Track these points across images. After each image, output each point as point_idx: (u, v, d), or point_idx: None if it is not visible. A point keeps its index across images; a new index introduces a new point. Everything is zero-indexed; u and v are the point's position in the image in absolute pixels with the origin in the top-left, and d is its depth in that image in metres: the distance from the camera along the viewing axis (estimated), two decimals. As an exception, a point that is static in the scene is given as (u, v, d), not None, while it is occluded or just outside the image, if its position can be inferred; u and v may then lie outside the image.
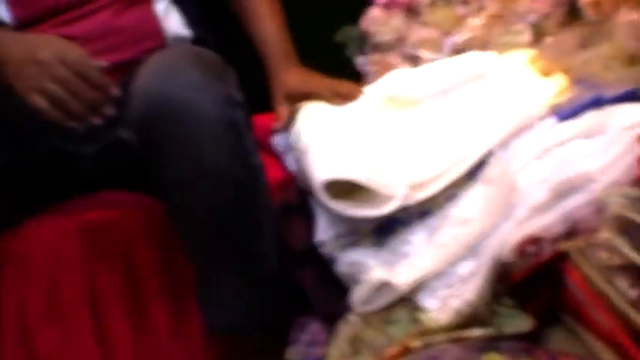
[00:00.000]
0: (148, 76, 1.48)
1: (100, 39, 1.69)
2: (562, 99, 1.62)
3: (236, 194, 1.50)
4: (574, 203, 1.39)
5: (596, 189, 1.37)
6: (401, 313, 1.38)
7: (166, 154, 1.47)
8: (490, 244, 1.39)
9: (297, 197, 1.63)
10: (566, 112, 1.58)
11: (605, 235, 1.26)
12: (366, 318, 1.39)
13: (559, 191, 1.40)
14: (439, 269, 1.41)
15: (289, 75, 1.79)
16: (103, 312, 1.64)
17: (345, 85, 1.75)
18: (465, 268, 1.39)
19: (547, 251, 1.37)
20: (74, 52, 1.46)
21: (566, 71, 1.74)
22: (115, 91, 1.48)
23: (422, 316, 1.37)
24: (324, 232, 1.52)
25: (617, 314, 1.20)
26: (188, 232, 1.56)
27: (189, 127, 1.44)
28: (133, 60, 1.64)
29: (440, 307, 1.37)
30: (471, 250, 1.41)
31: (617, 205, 1.22)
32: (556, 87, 1.67)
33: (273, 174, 1.68)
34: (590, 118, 1.54)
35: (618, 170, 1.38)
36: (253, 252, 1.55)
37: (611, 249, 1.24)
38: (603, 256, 1.24)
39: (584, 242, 1.30)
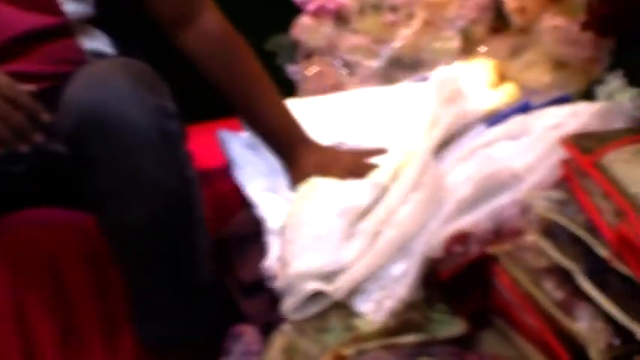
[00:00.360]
0: (77, 88, 1.44)
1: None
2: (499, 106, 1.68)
3: (169, 206, 1.46)
4: (500, 202, 1.41)
5: (521, 188, 1.40)
6: (335, 321, 1.36)
7: (99, 166, 1.43)
8: (419, 242, 1.40)
9: (252, 228, 1.61)
10: (495, 119, 1.63)
11: (531, 237, 1.27)
12: (300, 327, 1.37)
13: (482, 187, 1.42)
14: (372, 273, 1.40)
15: (304, 163, 1.68)
16: (32, 332, 1.58)
17: (360, 169, 1.64)
18: (398, 269, 1.39)
19: (474, 251, 1.37)
20: (2, 77, 1.40)
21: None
22: (46, 116, 1.43)
23: (357, 322, 1.35)
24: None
25: (544, 316, 1.20)
26: (120, 245, 1.52)
27: (122, 137, 1.40)
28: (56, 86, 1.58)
29: (375, 309, 1.36)
30: (403, 251, 1.41)
31: (541, 208, 1.22)
32: (503, 96, 1.74)
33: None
34: (516, 121, 1.58)
35: (542, 168, 1.41)
36: (186, 264, 1.51)
37: (537, 251, 1.24)
38: (530, 258, 1.25)
39: (511, 245, 1.31)
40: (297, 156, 1.68)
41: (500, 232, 1.39)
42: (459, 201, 1.43)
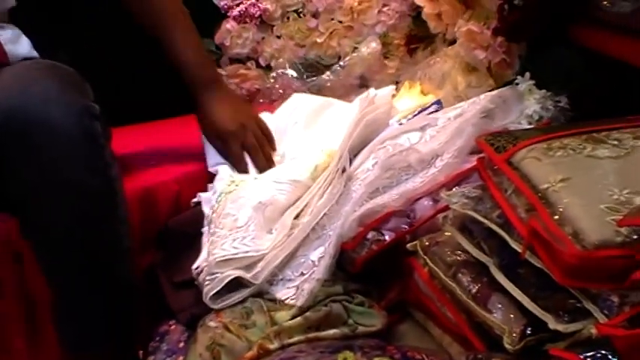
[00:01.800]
0: (1, 91, 1.36)
1: None
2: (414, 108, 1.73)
3: (93, 206, 1.40)
4: (409, 186, 1.43)
5: (429, 173, 1.44)
6: (258, 317, 1.33)
7: (21, 167, 1.35)
8: (334, 227, 1.40)
9: (195, 226, 1.58)
10: (407, 119, 1.68)
11: (448, 232, 1.26)
12: (225, 323, 1.32)
13: (389, 167, 1.45)
14: (288, 258, 1.41)
15: (213, 111, 1.74)
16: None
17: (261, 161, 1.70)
18: (316, 254, 1.39)
19: (388, 237, 1.37)
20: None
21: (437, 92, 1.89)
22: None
23: (280, 316, 1.33)
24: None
25: (461, 308, 1.19)
26: (43, 247, 1.44)
27: (44, 137, 1.33)
28: None
29: (294, 294, 1.35)
30: (320, 238, 1.41)
31: (457, 205, 1.20)
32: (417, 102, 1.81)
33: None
34: (422, 117, 1.64)
35: (447, 154, 1.46)
36: (108, 265, 1.45)
37: (454, 246, 1.23)
38: (447, 253, 1.23)
39: (428, 240, 1.29)
40: (208, 98, 1.74)
41: (414, 219, 1.40)
42: (367, 184, 1.44)
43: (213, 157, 1.77)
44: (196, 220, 1.62)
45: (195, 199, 1.71)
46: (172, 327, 1.45)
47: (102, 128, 1.43)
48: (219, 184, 1.64)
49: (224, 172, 1.70)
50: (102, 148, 1.42)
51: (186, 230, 1.63)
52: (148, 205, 1.69)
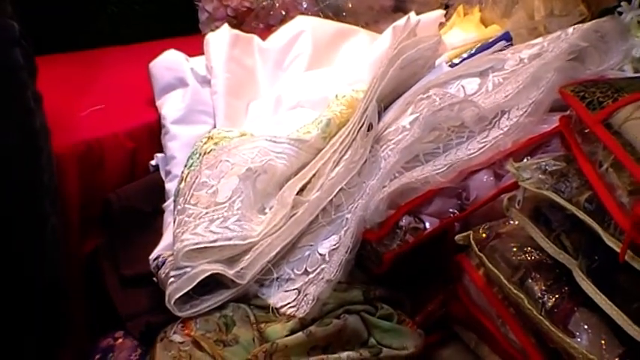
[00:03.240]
0: None
1: None
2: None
3: (5, 169, 1.40)
4: (461, 154, 1.44)
5: (490, 136, 1.45)
6: (243, 330, 1.33)
7: None
8: (353, 208, 1.42)
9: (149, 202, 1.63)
10: (460, 59, 1.72)
11: (515, 222, 1.25)
12: (196, 337, 1.33)
13: (432, 128, 1.45)
14: (286, 250, 1.42)
15: None
16: None
17: None
18: (326, 246, 1.40)
19: (429, 226, 1.38)
20: None
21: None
22: None
23: (272, 328, 1.33)
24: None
25: (529, 329, 1.19)
26: None
27: None
28: None
29: (294, 301, 1.36)
30: (333, 224, 1.42)
31: (531, 182, 1.20)
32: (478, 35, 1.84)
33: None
34: (481, 57, 1.64)
35: (518, 110, 1.47)
36: (27, 253, 1.45)
37: (523, 241, 1.23)
38: (512, 250, 1.23)
39: (486, 231, 1.29)
40: None
41: (466, 202, 1.41)
42: (402, 149, 1.44)
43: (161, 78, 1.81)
44: (155, 190, 1.63)
45: (154, 161, 1.72)
46: (119, 341, 1.46)
47: (23, 57, 1.42)
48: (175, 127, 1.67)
49: (173, 101, 1.73)
50: (22, 87, 1.42)
51: (140, 205, 1.64)
52: (89, 169, 1.70)
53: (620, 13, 1.69)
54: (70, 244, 1.62)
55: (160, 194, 1.62)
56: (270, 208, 1.46)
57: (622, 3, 1.70)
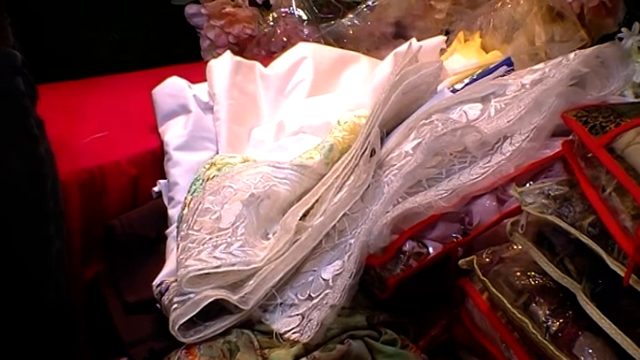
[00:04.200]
0: None
1: None
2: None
3: (9, 197, 1.40)
4: (464, 179, 1.44)
5: (493, 162, 1.45)
6: (247, 356, 1.34)
7: None
8: (356, 233, 1.42)
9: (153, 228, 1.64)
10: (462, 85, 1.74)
11: (519, 246, 1.25)
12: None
13: (435, 153, 1.45)
14: (290, 275, 1.42)
15: None
16: None
17: None
18: (330, 271, 1.41)
19: (433, 251, 1.38)
20: None
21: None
22: None
23: (276, 354, 1.33)
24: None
25: (534, 353, 1.19)
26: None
27: None
28: None
29: (298, 326, 1.36)
30: (337, 249, 1.43)
31: (535, 207, 1.20)
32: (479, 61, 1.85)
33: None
34: (484, 82, 1.64)
35: (520, 135, 1.47)
36: (31, 281, 1.44)
37: (527, 265, 1.23)
38: (516, 275, 1.23)
39: (490, 256, 1.29)
40: None
41: (469, 226, 1.41)
42: (405, 174, 1.44)
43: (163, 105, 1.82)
44: (158, 217, 1.63)
45: (156, 188, 1.72)
46: (124, 365, 1.46)
47: (25, 85, 1.42)
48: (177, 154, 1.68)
49: (176, 128, 1.74)
50: (25, 114, 1.42)
51: (143, 231, 1.64)
52: (92, 196, 1.70)
53: (621, 39, 1.70)
54: (71, 269, 1.62)
55: (163, 220, 1.63)
56: (274, 234, 1.46)
57: (622, 29, 1.71)
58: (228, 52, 1.93)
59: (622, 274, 1.05)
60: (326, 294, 1.37)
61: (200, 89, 1.85)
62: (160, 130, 1.80)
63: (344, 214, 1.45)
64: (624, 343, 1.05)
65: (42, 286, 1.45)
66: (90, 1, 2.25)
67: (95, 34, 2.29)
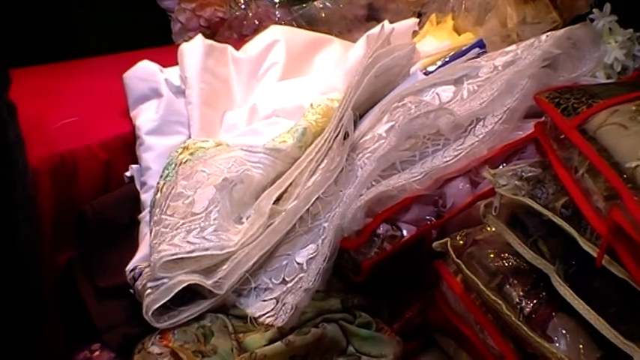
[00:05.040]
0: None
1: None
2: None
3: None
4: (438, 162, 1.44)
5: (466, 144, 1.46)
6: (222, 340, 1.33)
7: None
8: (330, 217, 1.42)
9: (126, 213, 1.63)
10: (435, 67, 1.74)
11: (492, 228, 1.26)
12: (174, 348, 1.33)
13: (407, 131, 1.45)
14: (264, 259, 1.42)
15: None
16: None
17: None
18: (304, 254, 1.41)
19: (407, 234, 1.38)
20: None
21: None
22: None
23: (250, 338, 1.33)
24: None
25: (508, 334, 1.20)
26: None
27: None
28: None
29: (273, 310, 1.37)
30: (310, 233, 1.43)
31: (508, 189, 1.20)
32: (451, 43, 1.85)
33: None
34: (457, 64, 1.64)
35: (493, 117, 1.48)
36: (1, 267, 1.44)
37: (500, 247, 1.23)
38: (490, 257, 1.24)
39: (464, 238, 1.30)
40: None
41: (443, 209, 1.42)
42: (378, 157, 1.45)
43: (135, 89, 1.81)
44: (131, 202, 1.62)
45: (129, 172, 1.71)
46: (96, 353, 1.45)
47: None
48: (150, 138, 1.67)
49: (147, 112, 1.73)
50: None
51: (115, 217, 1.64)
52: (63, 181, 1.69)
53: (592, 20, 1.70)
54: (43, 256, 1.61)
55: (136, 205, 1.62)
56: (247, 218, 1.46)
57: (594, 10, 1.71)
58: (199, 36, 1.92)
59: (595, 255, 1.06)
60: (300, 278, 1.38)
61: (172, 73, 1.84)
62: (132, 114, 1.79)
63: (318, 198, 1.45)
64: (597, 323, 1.06)
65: (10, 273, 1.44)
66: (61, -15, 2.24)
67: (66, 17, 2.27)
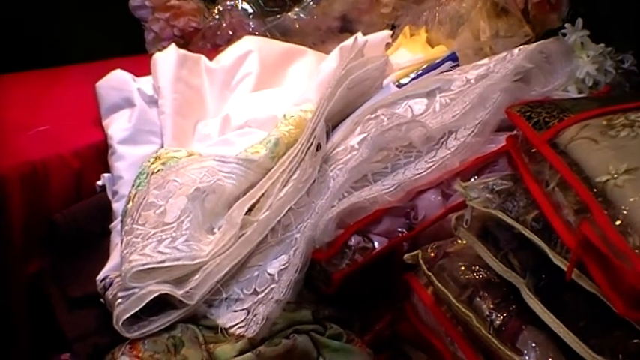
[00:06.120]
0: None
1: None
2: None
3: None
4: (409, 174, 1.45)
5: (438, 156, 1.46)
6: (192, 351, 1.33)
7: None
8: (302, 228, 1.42)
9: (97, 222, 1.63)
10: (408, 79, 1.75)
11: (463, 241, 1.26)
12: (144, 359, 1.32)
13: (381, 148, 1.46)
14: (236, 270, 1.42)
15: None
16: None
17: None
18: (275, 265, 1.41)
19: (378, 246, 1.39)
20: None
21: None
22: None
23: (221, 349, 1.33)
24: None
25: (478, 347, 1.20)
26: None
27: None
28: None
29: (244, 321, 1.36)
30: (282, 244, 1.43)
31: (479, 202, 1.21)
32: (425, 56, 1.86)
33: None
34: (429, 77, 1.66)
35: (465, 130, 1.49)
36: None
37: (471, 260, 1.24)
38: (460, 269, 1.24)
39: (435, 250, 1.30)
40: None
41: (415, 221, 1.42)
42: (350, 169, 1.45)
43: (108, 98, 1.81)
44: (102, 211, 1.62)
45: (101, 182, 1.70)
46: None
47: None
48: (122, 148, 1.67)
49: (120, 121, 1.72)
50: None
51: (87, 226, 1.63)
52: (34, 189, 1.69)
53: (564, 35, 1.71)
54: (13, 264, 1.61)
55: (107, 215, 1.61)
56: (219, 228, 1.45)
57: (566, 25, 1.72)
58: (173, 45, 1.92)
59: (565, 268, 1.06)
60: (271, 288, 1.37)
61: (145, 82, 1.84)
62: (104, 123, 1.78)
63: (290, 209, 1.45)
64: (567, 336, 1.06)
65: None
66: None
67: (39, 26, 2.26)
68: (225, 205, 1.49)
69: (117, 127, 1.75)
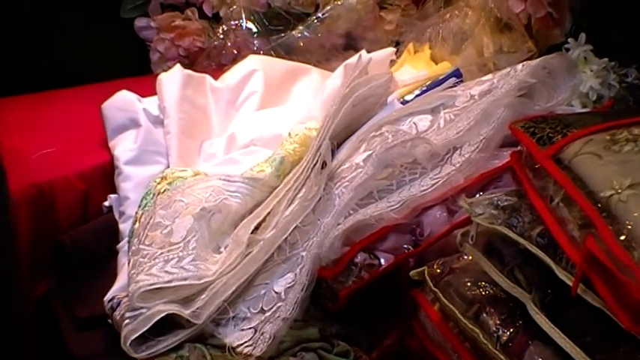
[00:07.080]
0: None
1: None
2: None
3: None
4: (414, 191, 1.45)
5: (443, 173, 1.47)
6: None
7: None
8: (308, 246, 1.43)
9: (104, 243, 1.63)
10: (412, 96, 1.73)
11: (469, 257, 1.26)
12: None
13: (385, 160, 1.46)
14: (242, 289, 1.42)
15: None
16: None
17: None
18: (282, 284, 1.41)
19: (385, 262, 1.39)
20: None
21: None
22: None
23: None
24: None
25: (485, 363, 1.20)
26: None
27: None
28: None
29: (251, 339, 1.36)
30: (289, 262, 1.43)
31: (484, 217, 1.21)
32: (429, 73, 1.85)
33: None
34: (434, 94, 1.65)
35: (470, 146, 1.49)
36: None
37: (477, 276, 1.24)
38: (467, 285, 1.24)
39: (441, 267, 1.30)
40: None
41: (420, 237, 1.42)
42: (356, 186, 1.45)
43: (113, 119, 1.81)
44: (109, 232, 1.62)
45: (107, 202, 1.71)
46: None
47: None
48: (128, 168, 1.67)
49: (126, 142, 1.73)
50: None
51: (94, 247, 1.63)
52: (40, 211, 1.69)
53: (568, 50, 1.71)
54: (20, 287, 1.61)
55: (114, 235, 1.62)
56: (225, 247, 1.46)
57: (569, 39, 1.72)
58: (178, 65, 1.93)
59: (570, 283, 1.06)
60: (278, 307, 1.37)
61: (150, 103, 1.84)
62: (110, 144, 1.79)
63: (295, 227, 1.45)
64: (573, 352, 1.06)
65: None
66: (38, 14, 2.23)
67: (44, 47, 2.27)
68: (232, 224, 1.49)
69: (123, 147, 1.75)
